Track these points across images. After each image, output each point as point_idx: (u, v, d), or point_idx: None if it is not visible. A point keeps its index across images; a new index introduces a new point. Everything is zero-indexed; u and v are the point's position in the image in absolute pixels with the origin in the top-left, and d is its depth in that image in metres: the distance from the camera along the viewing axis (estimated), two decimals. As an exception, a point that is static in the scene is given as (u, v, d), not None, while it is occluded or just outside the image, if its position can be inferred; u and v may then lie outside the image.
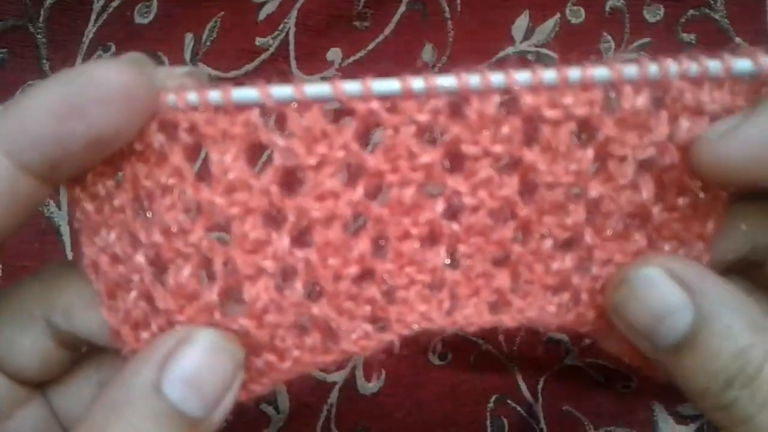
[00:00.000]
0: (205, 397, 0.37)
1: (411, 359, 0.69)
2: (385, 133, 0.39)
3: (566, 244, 0.42)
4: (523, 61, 0.74)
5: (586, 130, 0.40)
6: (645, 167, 0.41)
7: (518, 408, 0.68)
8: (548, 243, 0.42)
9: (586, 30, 0.75)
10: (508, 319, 0.43)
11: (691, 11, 0.74)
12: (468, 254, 0.42)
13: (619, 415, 0.67)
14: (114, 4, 0.78)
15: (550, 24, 0.75)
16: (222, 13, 0.77)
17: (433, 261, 0.42)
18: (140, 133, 0.38)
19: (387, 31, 0.76)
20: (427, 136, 0.40)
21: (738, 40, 0.73)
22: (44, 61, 0.78)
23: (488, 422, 0.67)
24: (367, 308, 0.42)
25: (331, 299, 0.41)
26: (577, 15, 0.75)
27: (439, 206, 0.41)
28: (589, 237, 0.42)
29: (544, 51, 0.74)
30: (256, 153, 0.40)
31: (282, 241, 0.40)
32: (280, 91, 0.38)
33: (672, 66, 0.40)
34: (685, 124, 0.40)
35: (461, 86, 0.38)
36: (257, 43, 0.76)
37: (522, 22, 0.75)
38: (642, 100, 0.40)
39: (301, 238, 0.41)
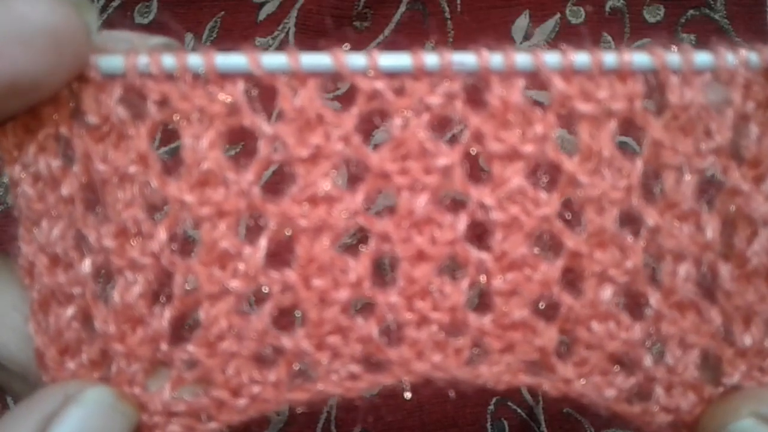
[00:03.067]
0: None
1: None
2: (392, 123, 0.32)
3: (628, 299, 0.34)
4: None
5: (630, 131, 0.33)
6: (707, 192, 0.33)
7: (519, 410, 0.64)
8: (608, 292, 0.33)
9: (586, 30, 0.71)
10: (549, 386, 0.34)
11: (691, 11, 0.71)
12: (502, 294, 0.33)
13: (620, 417, 0.63)
14: (114, 4, 0.74)
15: (550, 24, 0.71)
16: (222, 13, 0.74)
17: (454, 297, 0.33)
18: (96, 102, 0.31)
19: (387, 31, 0.73)
20: (444, 133, 0.33)
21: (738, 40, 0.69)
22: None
23: (489, 424, 0.64)
24: (358, 347, 0.33)
25: (312, 330, 0.33)
26: (577, 15, 0.71)
27: (462, 222, 0.33)
28: (654, 301, 0.33)
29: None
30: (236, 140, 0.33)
31: (256, 255, 0.32)
32: (272, 60, 0.31)
33: (728, 55, 0.32)
34: (754, 129, 0.32)
35: (481, 65, 0.31)
36: (257, 43, 0.73)
37: (522, 22, 0.71)
38: (692, 94, 0.32)
39: (281, 252, 0.33)
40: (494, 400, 0.63)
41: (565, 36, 0.71)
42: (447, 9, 0.72)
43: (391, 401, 0.64)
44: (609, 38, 0.70)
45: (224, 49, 0.32)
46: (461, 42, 0.72)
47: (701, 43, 0.70)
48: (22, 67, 0.29)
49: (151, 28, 0.74)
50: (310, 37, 0.72)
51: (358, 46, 0.70)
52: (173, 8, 0.74)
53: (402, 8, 0.72)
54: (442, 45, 0.71)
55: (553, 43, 0.71)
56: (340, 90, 0.60)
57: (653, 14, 0.71)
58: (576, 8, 0.71)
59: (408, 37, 0.72)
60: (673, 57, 0.32)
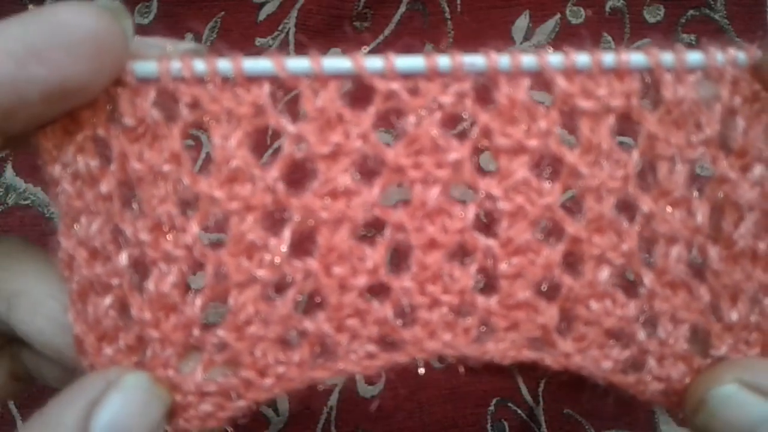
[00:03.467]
0: None
1: (411, 362, 0.63)
2: (407, 121, 0.33)
3: (623, 281, 0.36)
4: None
5: (627, 125, 0.35)
6: (697, 180, 0.35)
7: (519, 411, 0.63)
8: (605, 273, 0.35)
9: (586, 30, 0.71)
10: (550, 360, 0.35)
11: (691, 11, 0.71)
12: (507, 277, 0.35)
13: (620, 418, 0.63)
14: (114, 4, 0.73)
15: (550, 24, 0.71)
16: (222, 13, 0.73)
17: (463, 281, 0.35)
18: (132, 105, 0.33)
19: (387, 31, 0.72)
20: (455, 129, 0.34)
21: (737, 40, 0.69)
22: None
23: (489, 425, 0.63)
24: (375, 329, 0.35)
25: (332, 313, 0.35)
26: (577, 15, 0.71)
27: (471, 212, 0.35)
28: (648, 280, 0.35)
29: (545, 51, 0.70)
30: (262, 140, 0.34)
31: (281, 246, 0.34)
32: (296, 63, 0.33)
33: (718, 54, 0.34)
34: (741, 122, 0.34)
35: (490, 66, 0.33)
36: (257, 43, 0.72)
37: (522, 22, 0.71)
38: (684, 90, 0.34)
39: (303, 242, 0.34)
40: (494, 401, 0.63)
41: (566, 36, 0.70)
42: (447, 9, 0.72)
43: (392, 402, 0.63)
44: (609, 38, 0.70)
45: (226, 50, 0.33)
46: (461, 42, 0.71)
47: (701, 44, 0.70)
48: (66, 73, 0.30)
49: (151, 28, 0.73)
50: (310, 37, 0.71)
51: (358, 46, 0.70)
52: (173, 8, 0.73)
53: (402, 8, 0.72)
54: (443, 45, 0.71)
55: (553, 44, 0.70)
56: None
57: (653, 14, 0.71)
58: (576, 8, 0.71)
59: (408, 38, 0.71)
60: (667, 56, 0.34)
